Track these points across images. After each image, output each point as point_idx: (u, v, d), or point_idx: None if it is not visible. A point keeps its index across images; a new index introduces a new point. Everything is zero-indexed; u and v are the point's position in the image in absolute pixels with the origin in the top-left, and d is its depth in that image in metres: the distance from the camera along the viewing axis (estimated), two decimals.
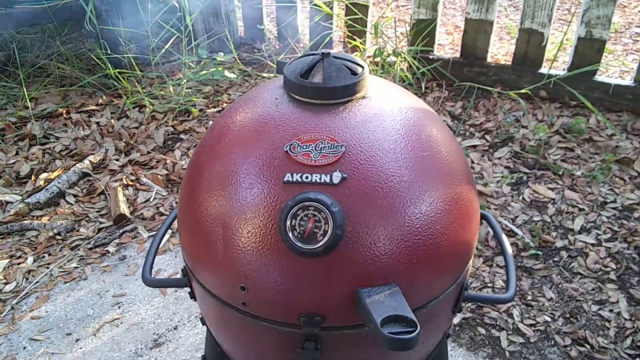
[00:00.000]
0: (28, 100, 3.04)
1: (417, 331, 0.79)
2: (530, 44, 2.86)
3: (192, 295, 1.17)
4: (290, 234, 0.87)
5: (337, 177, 0.90)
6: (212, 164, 1.01)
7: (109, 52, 3.15)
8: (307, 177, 0.90)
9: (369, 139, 0.94)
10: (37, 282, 2.11)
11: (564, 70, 2.85)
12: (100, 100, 3.16)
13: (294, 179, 0.90)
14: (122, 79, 3.13)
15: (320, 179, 0.90)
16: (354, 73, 1.00)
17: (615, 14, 2.64)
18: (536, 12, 2.77)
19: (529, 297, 1.95)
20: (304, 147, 0.92)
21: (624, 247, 2.10)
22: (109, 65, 3.13)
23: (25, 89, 3.06)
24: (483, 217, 1.27)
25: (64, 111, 3.06)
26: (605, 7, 2.60)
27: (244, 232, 0.92)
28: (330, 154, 0.91)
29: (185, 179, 1.10)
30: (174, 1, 3.34)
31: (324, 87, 0.97)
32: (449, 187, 0.98)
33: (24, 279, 2.12)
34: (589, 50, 2.72)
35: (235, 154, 0.98)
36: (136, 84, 3.18)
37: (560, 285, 1.99)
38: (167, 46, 3.17)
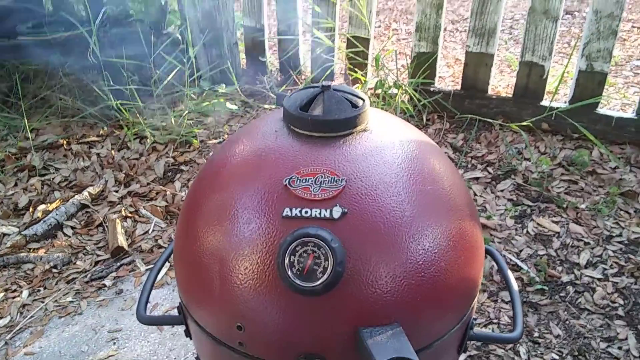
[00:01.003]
0: (29, 131, 3.04)
1: None
2: (531, 77, 2.86)
3: (188, 334, 1.13)
4: (289, 271, 0.84)
5: (337, 212, 0.87)
6: (210, 198, 0.99)
7: (112, 83, 3.16)
8: (306, 212, 0.88)
9: (370, 172, 0.92)
10: (31, 316, 2.06)
11: (565, 102, 2.85)
12: (101, 132, 3.16)
13: (293, 214, 0.88)
14: (123, 110, 3.13)
15: (320, 213, 0.87)
16: (354, 106, 0.98)
17: (615, 47, 2.65)
18: (536, 46, 2.78)
19: (536, 334, 1.90)
20: (304, 181, 0.90)
21: (631, 282, 2.05)
22: (111, 96, 3.13)
23: (26, 120, 3.06)
24: (487, 252, 1.24)
25: (65, 142, 3.06)
26: (606, 41, 2.61)
27: (241, 269, 0.89)
28: (330, 188, 0.89)
29: (182, 212, 1.08)
30: (177, 34, 3.37)
31: (324, 120, 0.95)
32: (452, 222, 0.96)
33: (19, 314, 2.08)
34: (590, 83, 2.72)
35: (233, 188, 0.96)
36: (138, 115, 3.18)
37: (567, 322, 1.94)
38: (169, 78, 3.18)
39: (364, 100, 1.00)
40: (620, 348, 1.84)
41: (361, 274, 0.86)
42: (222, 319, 0.93)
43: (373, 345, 0.82)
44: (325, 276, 0.84)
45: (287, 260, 0.84)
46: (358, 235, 0.87)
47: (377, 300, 0.86)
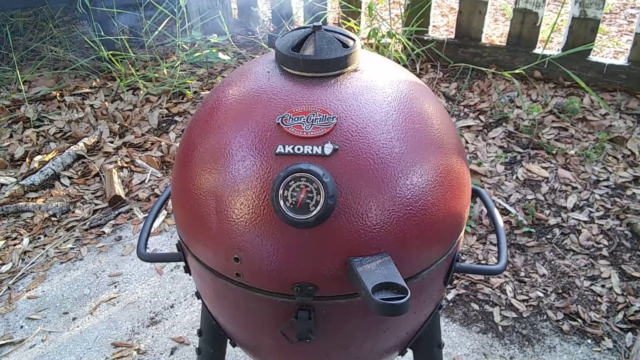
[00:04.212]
0: (21, 83, 3.03)
1: (407, 297, 0.80)
2: (525, 24, 2.85)
3: (187, 270, 1.18)
4: (282, 205, 0.88)
5: (328, 148, 0.90)
6: (205, 138, 1.02)
7: (102, 34, 3.13)
8: (299, 149, 0.91)
9: (361, 111, 0.95)
10: (33, 262, 2.12)
11: (558, 50, 2.85)
12: (94, 83, 3.15)
13: (286, 151, 0.91)
14: (115, 62, 3.11)
15: (312, 150, 0.90)
16: (345, 46, 1.00)
17: None
18: None
19: (522, 274, 1.97)
20: (296, 119, 0.93)
21: (616, 224, 2.12)
22: (102, 47, 3.11)
23: (18, 72, 3.04)
24: (475, 191, 1.28)
25: (58, 94, 3.05)
26: None
27: (237, 204, 0.93)
28: (322, 126, 0.92)
29: (179, 153, 1.10)
30: None
31: (315, 60, 0.97)
32: (440, 159, 0.99)
33: (20, 260, 2.13)
34: (583, 30, 2.72)
35: (227, 127, 0.99)
36: (130, 66, 3.17)
37: (553, 262, 2.01)
38: (160, 28, 3.15)
39: (354, 40, 1.02)
40: (603, 286, 1.92)
41: (352, 207, 0.90)
42: (220, 252, 0.98)
43: (363, 273, 0.87)
44: (318, 209, 0.88)
45: (280, 194, 0.88)
46: (349, 170, 0.90)
47: (366, 231, 0.91)
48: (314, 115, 0.93)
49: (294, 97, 0.96)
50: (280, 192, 0.88)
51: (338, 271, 0.91)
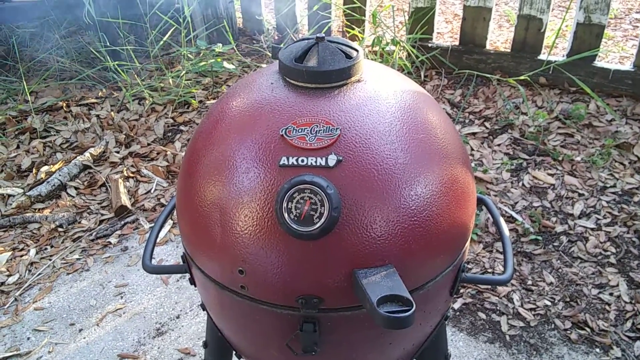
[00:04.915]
0: (28, 94, 3.05)
1: (412, 310, 0.79)
2: (529, 31, 2.85)
3: (192, 281, 1.17)
4: (286, 217, 0.88)
5: (332, 159, 0.90)
6: (209, 150, 1.02)
7: (108, 44, 3.15)
8: (302, 160, 0.90)
9: (364, 122, 0.94)
10: (39, 273, 2.13)
11: (563, 56, 2.85)
12: (99, 93, 3.17)
13: (290, 163, 0.91)
14: (121, 72, 3.13)
15: (315, 162, 0.90)
16: (348, 57, 1.00)
17: (615, 0, 2.63)
18: None
19: (529, 282, 1.96)
20: (300, 130, 0.93)
21: (624, 231, 2.10)
22: (108, 57, 3.13)
23: (25, 83, 3.07)
24: (480, 200, 1.28)
25: (64, 104, 3.07)
26: None
27: (241, 216, 0.93)
28: (325, 137, 0.92)
29: (183, 165, 1.11)
30: None
31: (319, 71, 0.97)
32: (444, 169, 0.99)
33: (27, 271, 2.14)
34: (588, 35, 2.71)
35: (231, 139, 0.99)
36: (135, 76, 3.18)
37: (560, 270, 1.99)
38: (165, 37, 3.17)
39: (357, 51, 1.02)
40: (611, 294, 1.90)
41: (356, 219, 0.89)
42: (224, 264, 0.97)
43: (368, 285, 0.86)
44: (322, 221, 0.87)
45: (284, 206, 0.88)
46: (353, 181, 0.90)
47: (371, 243, 0.90)
48: (317, 126, 0.93)
49: (297, 108, 0.96)
50: (284, 204, 0.88)
51: (343, 283, 0.91)
